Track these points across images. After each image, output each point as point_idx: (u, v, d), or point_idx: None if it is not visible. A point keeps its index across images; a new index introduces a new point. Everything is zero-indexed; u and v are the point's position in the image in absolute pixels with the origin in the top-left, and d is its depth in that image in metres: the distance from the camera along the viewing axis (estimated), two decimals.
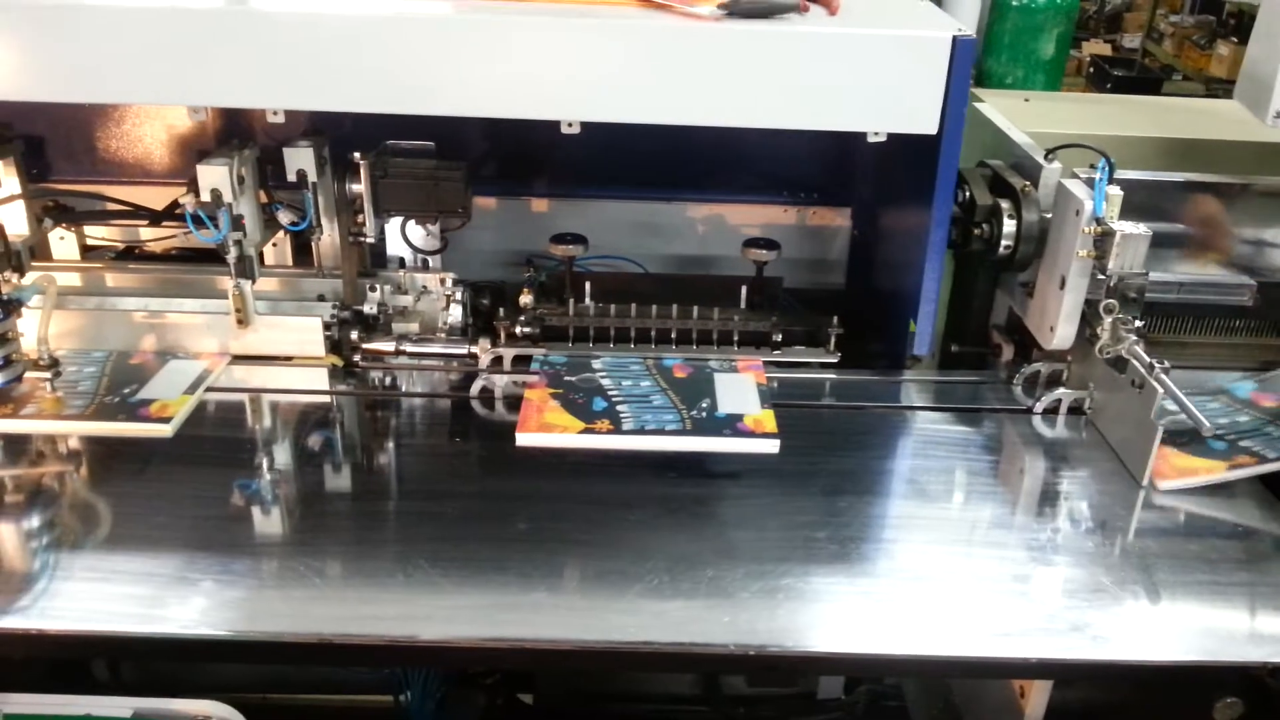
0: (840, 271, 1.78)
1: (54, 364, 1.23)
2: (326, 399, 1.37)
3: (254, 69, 1.20)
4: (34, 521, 1.12)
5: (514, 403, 1.33)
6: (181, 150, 1.68)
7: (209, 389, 1.34)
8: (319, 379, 1.40)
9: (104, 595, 1.01)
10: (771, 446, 1.23)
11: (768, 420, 1.27)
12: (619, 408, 1.29)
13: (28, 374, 1.24)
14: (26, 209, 1.38)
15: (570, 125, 1.25)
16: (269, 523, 1.12)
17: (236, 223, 1.31)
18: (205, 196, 1.28)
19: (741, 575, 1.03)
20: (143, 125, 1.67)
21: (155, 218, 1.49)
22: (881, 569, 1.06)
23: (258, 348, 1.40)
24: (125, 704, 1.00)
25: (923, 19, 1.27)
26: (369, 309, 1.43)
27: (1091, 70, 5.03)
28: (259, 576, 1.03)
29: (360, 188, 1.37)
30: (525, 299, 1.48)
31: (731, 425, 1.26)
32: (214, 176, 1.28)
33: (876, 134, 1.24)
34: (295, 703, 1.67)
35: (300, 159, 1.36)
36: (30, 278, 1.26)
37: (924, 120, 1.22)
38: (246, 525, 1.11)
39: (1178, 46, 5.21)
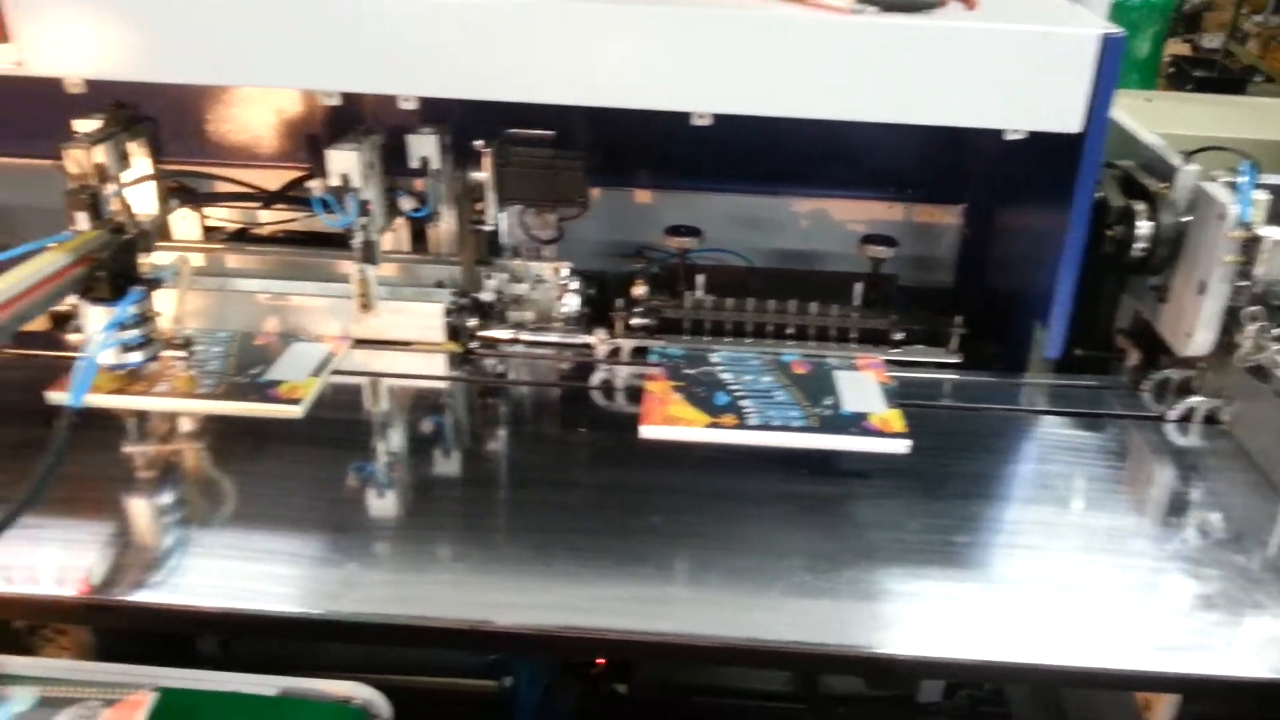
0: (945, 269, 1.76)
1: (188, 343, 1.24)
2: (446, 385, 1.38)
3: (382, 54, 1.20)
4: (171, 497, 1.14)
5: (633, 394, 1.33)
6: (287, 134, 1.70)
7: (333, 372, 1.35)
8: (437, 365, 1.40)
9: (244, 574, 1.02)
10: (902, 447, 1.22)
11: (895, 420, 1.25)
12: (742, 402, 1.28)
13: (161, 352, 1.25)
14: (156, 189, 1.40)
15: (701, 117, 1.24)
16: (400, 507, 1.13)
17: (363, 208, 1.31)
18: (334, 181, 1.29)
19: (883, 577, 1.02)
20: (249, 108, 1.68)
21: (277, 200, 1.50)
22: (1026, 576, 1.04)
23: (379, 332, 1.41)
24: (271, 682, 1.00)
25: (1066, 15, 1.24)
26: (487, 296, 1.43)
27: (1171, 70, 4.92)
28: (398, 560, 1.04)
29: (482, 176, 1.38)
30: (638, 290, 1.47)
31: (858, 424, 1.24)
32: (344, 162, 1.29)
33: (1015, 131, 1.22)
34: (388, 683, 1.68)
35: (424, 146, 1.37)
36: (167, 258, 1.28)
37: (1068, 119, 1.19)
38: (378, 508, 1.12)
39: (1263, 47, 5.07)
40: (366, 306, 1.38)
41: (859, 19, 1.17)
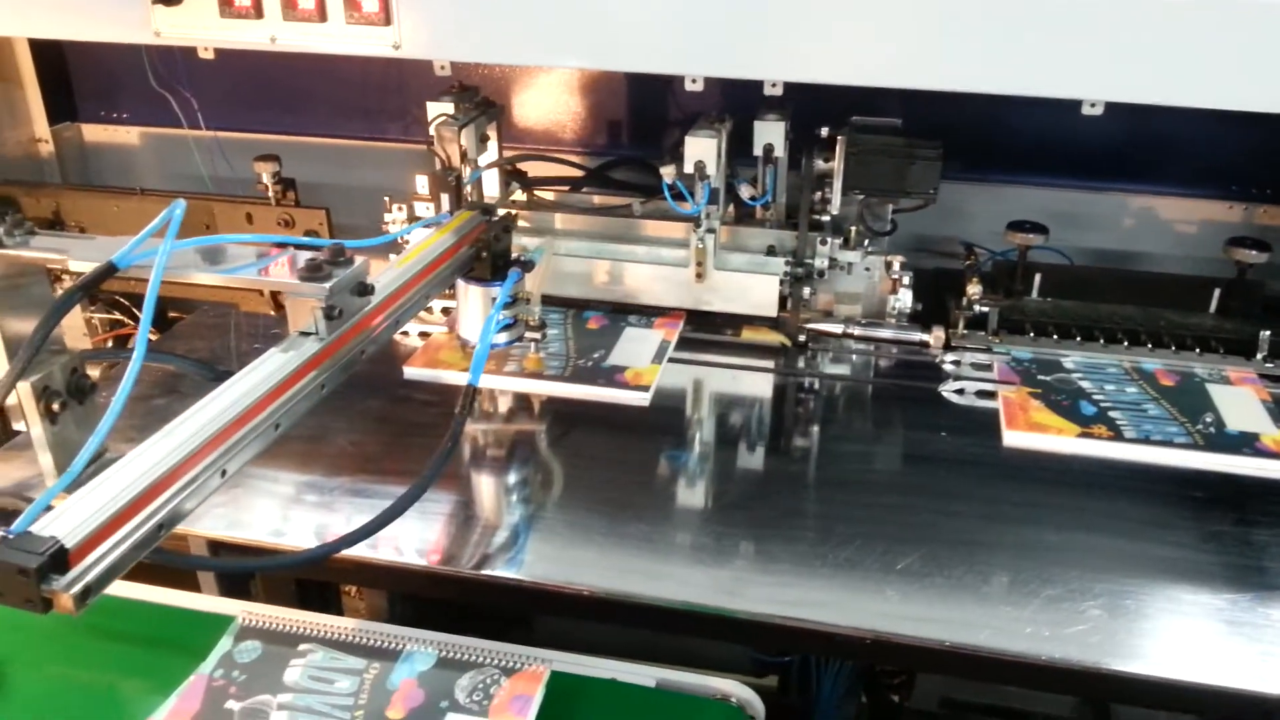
0: None
1: (542, 325, 1.25)
2: (780, 379, 1.35)
3: (750, 41, 1.16)
4: (516, 477, 1.16)
5: (983, 398, 1.27)
6: (601, 121, 1.70)
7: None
8: (767, 358, 1.38)
9: (627, 564, 1.02)
10: None
11: None
12: (1112, 414, 1.20)
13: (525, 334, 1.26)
14: (499, 172, 1.42)
15: (1093, 106, 1.16)
16: (770, 505, 1.10)
17: (713, 195, 1.29)
18: (688, 168, 1.27)
19: None
20: (564, 95, 1.69)
21: (605, 181, 1.50)
22: None
23: (711, 304, 1.39)
24: (648, 673, 0.99)
25: None
26: (820, 263, 1.37)
27: None
28: (785, 560, 1.01)
29: (828, 164, 1.33)
30: (973, 289, 1.40)
31: (1249, 444, 1.14)
32: (701, 148, 1.27)
33: None
34: None
35: (770, 133, 1.33)
36: (534, 241, 1.30)
37: None
38: (746, 505, 1.10)
39: None
40: (701, 276, 1.36)
41: None
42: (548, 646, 0.97)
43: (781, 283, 1.38)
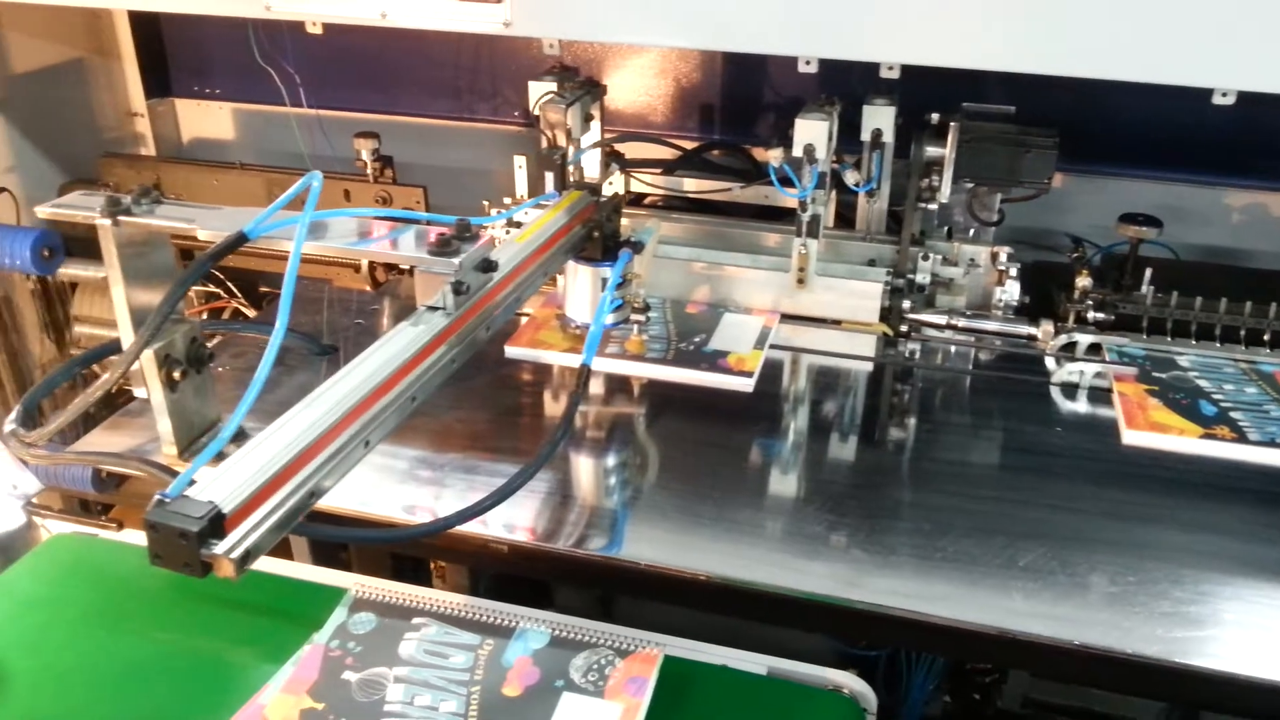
0: None
1: (646, 307, 1.24)
2: (883, 369, 1.32)
3: (867, 21, 1.14)
4: (618, 459, 1.15)
5: (1096, 395, 1.23)
6: (683, 103, 1.69)
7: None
8: (867, 345, 1.36)
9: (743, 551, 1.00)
10: None
11: None
12: (1233, 415, 1.16)
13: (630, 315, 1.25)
14: (600, 154, 1.41)
15: (1224, 95, 1.12)
16: (873, 494, 1.08)
17: (821, 180, 1.27)
18: (797, 151, 1.25)
19: None
20: (648, 77, 1.67)
21: (701, 165, 1.49)
22: None
23: (810, 309, 1.37)
24: (759, 660, 0.98)
25: None
26: (921, 278, 1.36)
27: None
28: (903, 554, 0.99)
29: (939, 150, 1.30)
30: (1083, 281, 1.36)
31: None
32: (812, 132, 1.25)
33: None
34: None
35: (879, 118, 1.31)
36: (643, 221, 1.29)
37: None
38: (855, 493, 1.08)
39: None
40: (803, 281, 1.34)
41: None
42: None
43: (888, 274, 1.36)
